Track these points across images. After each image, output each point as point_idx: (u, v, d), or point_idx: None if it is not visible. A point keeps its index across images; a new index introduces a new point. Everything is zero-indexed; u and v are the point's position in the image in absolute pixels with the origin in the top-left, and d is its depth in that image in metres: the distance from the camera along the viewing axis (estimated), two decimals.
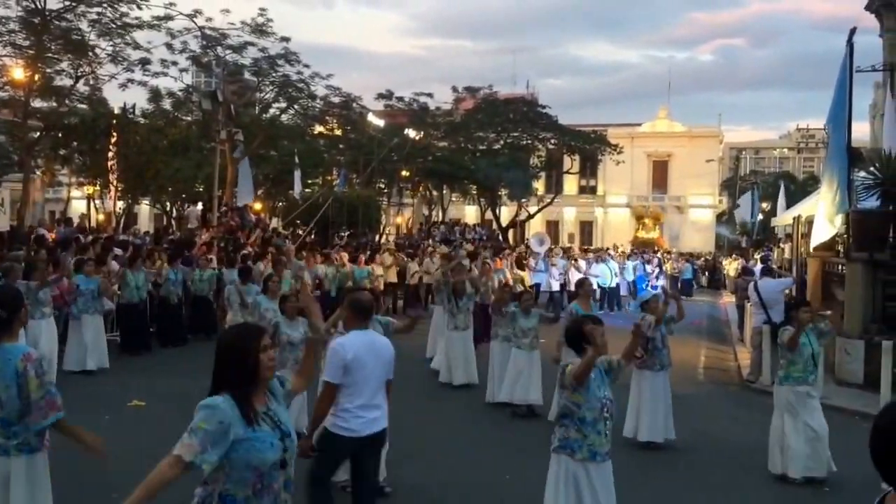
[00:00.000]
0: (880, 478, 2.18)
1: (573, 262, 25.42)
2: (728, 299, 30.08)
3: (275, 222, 32.44)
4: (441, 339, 13.34)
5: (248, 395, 3.29)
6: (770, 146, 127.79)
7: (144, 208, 52.37)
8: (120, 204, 31.96)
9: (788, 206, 31.05)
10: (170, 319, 15.57)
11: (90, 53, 26.35)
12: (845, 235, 14.27)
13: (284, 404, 3.52)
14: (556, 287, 24.69)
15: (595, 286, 24.00)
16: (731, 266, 38.65)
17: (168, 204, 40.36)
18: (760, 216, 50.35)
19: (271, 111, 34.41)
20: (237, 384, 3.28)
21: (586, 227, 72.37)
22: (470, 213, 58.22)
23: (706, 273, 43.88)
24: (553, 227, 69.48)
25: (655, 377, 9.25)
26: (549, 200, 51.14)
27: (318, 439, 5.24)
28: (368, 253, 22.86)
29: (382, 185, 42.90)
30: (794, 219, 20.93)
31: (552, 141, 48.17)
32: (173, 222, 36.82)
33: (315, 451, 5.19)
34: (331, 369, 5.19)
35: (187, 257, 16.89)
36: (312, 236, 27.24)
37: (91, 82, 27.94)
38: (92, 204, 37.15)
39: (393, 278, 22.85)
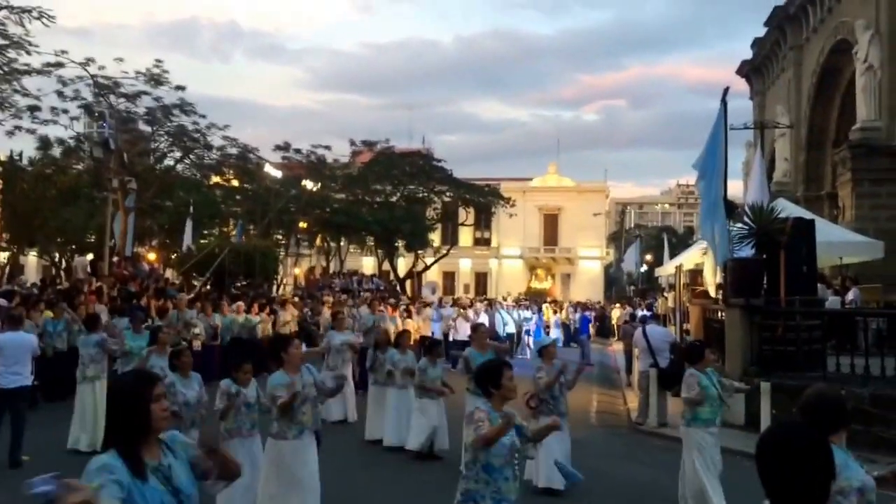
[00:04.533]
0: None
1: (461, 311, 25.39)
2: (616, 346, 30.76)
3: (169, 273, 31.43)
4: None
5: (136, 446, 3.07)
6: (652, 201, 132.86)
7: (32, 259, 49.95)
8: (3, 255, 30.38)
9: (671, 257, 32.22)
10: (52, 372, 14.50)
11: None
12: (723, 283, 14.84)
13: (183, 459, 3.24)
14: (437, 335, 24.70)
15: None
16: (617, 314, 39.66)
17: (57, 255, 38.65)
18: (645, 267, 52.10)
19: (166, 161, 33.60)
20: (127, 434, 3.08)
21: (482, 278, 73.06)
22: (368, 264, 58.04)
23: (595, 321, 44.94)
24: (449, 278, 69.83)
25: None
26: (445, 252, 51.48)
27: None
28: (263, 301, 22.42)
29: (280, 236, 42.32)
30: (675, 268, 21.69)
31: (447, 194, 48.70)
32: (62, 273, 35.22)
33: None
34: None
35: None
36: (208, 287, 26.56)
37: None
38: None
39: (292, 328, 22.47)
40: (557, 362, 9.22)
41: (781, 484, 2.32)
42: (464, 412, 9.97)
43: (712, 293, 16.28)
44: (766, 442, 2.39)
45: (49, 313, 15.42)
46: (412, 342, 13.83)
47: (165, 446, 3.21)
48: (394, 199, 46.60)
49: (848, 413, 3.59)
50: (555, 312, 34.88)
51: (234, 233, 35.36)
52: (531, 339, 27.88)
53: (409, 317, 21.61)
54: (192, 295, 21.10)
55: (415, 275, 49.58)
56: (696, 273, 19.33)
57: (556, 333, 31.09)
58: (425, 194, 48.02)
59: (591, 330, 35.20)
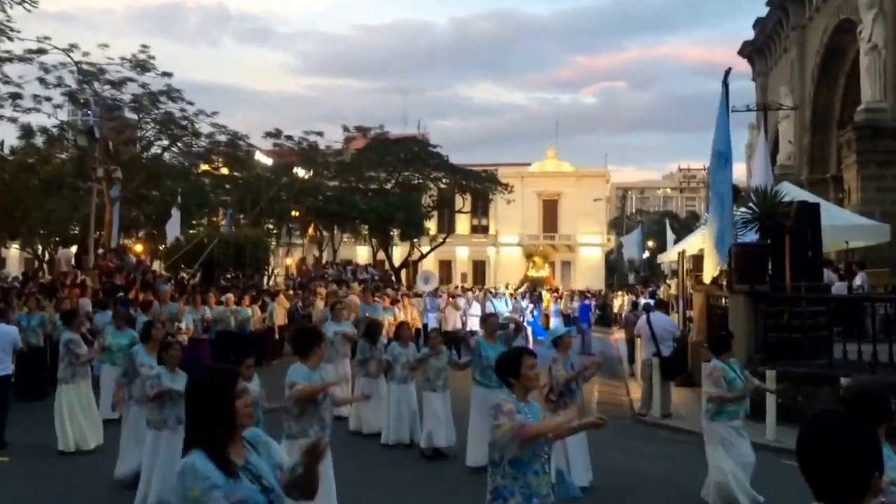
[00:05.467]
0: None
1: (451, 300, 25.23)
2: (618, 335, 30.72)
3: (156, 265, 31.31)
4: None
5: (223, 445, 3.05)
6: (654, 186, 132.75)
7: (14, 252, 49.76)
8: None
9: (674, 243, 32.16)
10: (25, 370, 14.00)
11: None
12: (727, 269, 14.76)
13: (267, 457, 3.23)
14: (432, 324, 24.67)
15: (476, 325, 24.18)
16: (619, 302, 39.64)
17: (40, 247, 38.46)
18: (647, 253, 52.10)
19: (153, 149, 33.42)
20: (213, 433, 3.04)
21: (479, 267, 73.00)
22: (362, 254, 57.96)
23: (597, 310, 44.96)
24: (446, 267, 69.70)
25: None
26: (441, 240, 51.41)
27: None
28: (254, 293, 22.31)
29: (271, 226, 42.22)
30: (678, 254, 21.62)
31: (444, 180, 48.69)
32: (45, 266, 35.07)
33: None
34: None
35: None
36: (197, 278, 26.43)
37: None
38: None
39: (282, 321, 22.38)
40: (573, 354, 9.08)
41: (830, 478, 2.28)
42: (470, 405, 10.03)
43: (706, 280, 16.20)
44: (811, 435, 2.34)
45: (25, 308, 15.20)
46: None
47: (248, 444, 3.20)
48: (388, 186, 46.53)
49: (891, 406, 3.55)
50: (555, 301, 34.82)
51: (223, 222, 35.24)
52: (529, 330, 27.83)
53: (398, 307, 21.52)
54: (173, 286, 20.94)
55: (410, 264, 49.55)
56: (700, 259, 19.26)
57: (555, 322, 31.03)
58: (420, 181, 47.97)
59: (592, 318, 35.16)
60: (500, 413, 4.76)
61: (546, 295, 36.85)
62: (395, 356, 11.41)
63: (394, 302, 21.69)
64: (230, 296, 20.18)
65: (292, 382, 6.56)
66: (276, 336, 22.05)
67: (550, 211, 72.51)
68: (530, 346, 22.30)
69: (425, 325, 23.38)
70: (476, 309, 24.81)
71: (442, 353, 11.07)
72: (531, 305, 30.58)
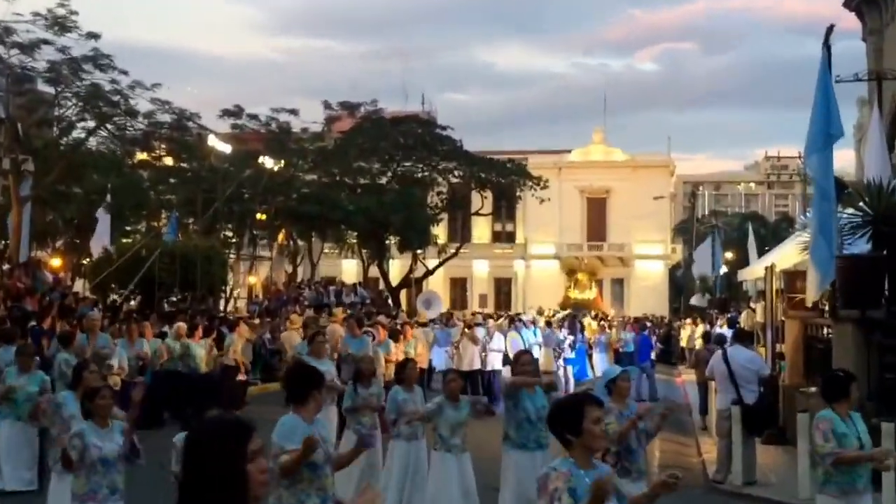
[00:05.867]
0: None
1: (467, 331, 25.14)
2: (686, 376, 30.66)
3: (79, 285, 31.47)
4: None
5: None
6: (733, 179, 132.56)
7: None
8: None
9: (759, 254, 32.07)
10: None
11: None
12: (831, 288, 14.70)
13: None
14: (440, 365, 24.61)
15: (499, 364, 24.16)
16: (688, 332, 39.55)
17: None
18: (724, 268, 51.90)
19: (75, 133, 33.62)
20: None
21: (503, 286, 73.16)
22: (348, 270, 58.08)
23: (658, 343, 44.88)
24: (459, 287, 69.97)
25: (633, 489, 8.98)
26: (453, 251, 51.48)
27: None
28: (207, 322, 22.40)
29: (230, 234, 42.38)
30: (766, 270, 21.53)
31: (456, 173, 48.81)
32: None
33: None
34: None
35: None
36: (132, 303, 26.51)
37: None
38: None
39: (244, 357, 22.45)
40: (632, 402, 9.03)
41: None
42: (499, 473, 9.90)
43: (808, 303, 16.16)
44: None
45: None
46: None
47: None
48: (383, 180, 46.68)
49: None
50: (601, 331, 34.72)
51: (166, 229, 35.35)
52: (569, 370, 27.79)
53: (396, 340, 21.41)
54: (100, 312, 21.06)
55: (413, 283, 49.61)
56: (795, 276, 19.18)
57: (601, 360, 31.01)
58: (426, 174, 48.14)
59: (654, 355, 35.09)
60: (546, 490, 4.75)
61: (591, 323, 36.82)
62: (397, 404, 11.29)
63: (393, 333, 21.66)
64: (181, 325, 20.26)
65: (280, 446, 6.46)
66: (239, 377, 22.09)
67: (597, 213, 72.67)
68: (572, 390, 22.33)
69: (430, 364, 23.44)
70: (499, 342, 24.79)
71: (462, 402, 10.77)
72: (570, 338, 30.58)
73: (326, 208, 42.24)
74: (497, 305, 64.73)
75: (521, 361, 10.75)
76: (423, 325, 26.56)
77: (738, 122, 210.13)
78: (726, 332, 22.41)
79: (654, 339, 37.06)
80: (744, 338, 16.80)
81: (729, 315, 33.04)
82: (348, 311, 28.82)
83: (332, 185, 45.17)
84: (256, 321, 26.52)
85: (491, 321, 29.46)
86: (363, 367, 12.79)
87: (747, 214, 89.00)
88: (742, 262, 41.30)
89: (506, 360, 24.34)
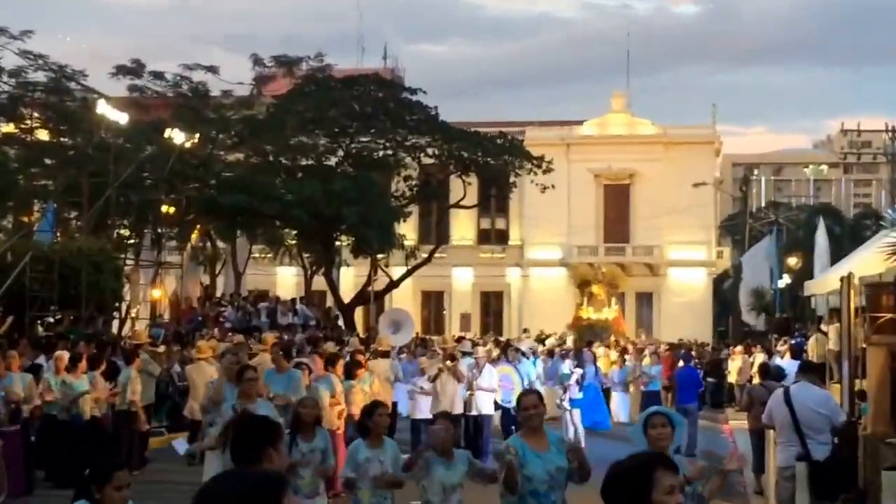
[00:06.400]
0: None
1: (448, 364, 24.97)
2: (736, 422, 30.77)
3: None
4: None
5: None
6: (799, 161, 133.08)
7: None
8: None
9: (834, 260, 32.19)
10: None
11: None
12: None
13: None
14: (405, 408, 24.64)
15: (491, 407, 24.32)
16: (737, 364, 39.58)
17: None
18: (787, 279, 52.19)
19: None
20: None
21: (493, 303, 73.22)
22: (286, 282, 57.99)
23: (706, 377, 44.98)
24: (434, 303, 70.04)
25: None
26: (426, 256, 51.47)
27: None
28: (95, 351, 22.36)
29: (126, 232, 42.26)
30: (842, 280, 21.67)
31: (430, 151, 48.79)
32: None
33: None
34: None
35: None
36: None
37: None
38: None
39: (144, 398, 22.39)
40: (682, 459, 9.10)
41: None
42: None
43: None
44: None
45: None
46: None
47: None
48: (332, 161, 46.61)
49: None
50: (621, 363, 34.69)
51: (40, 225, 35.31)
52: (576, 414, 27.79)
53: (351, 377, 21.26)
54: None
55: (372, 298, 49.51)
56: (881, 288, 19.28)
57: (622, 404, 31.06)
58: (389, 152, 48.05)
59: (702, 393, 35.12)
60: None
61: (610, 353, 36.81)
62: (358, 464, 11.35)
63: (348, 368, 21.52)
64: (62, 354, 20.18)
65: None
66: (139, 426, 22.04)
67: (618, 204, 72.80)
68: (581, 442, 22.35)
69: (395, 408, 23.40)
70: (490, 378, 24.77)
71: (457, 457, 10.87)
72: (577, 371, 30.61)
73: (256, 199, 42.03)
74: (483, 328, 64.90)
75: (525, 405, 10.35)
76: (384, 354, 26.47)
77: (804, 85, 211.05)
78: (788, 363, 22.51)
79: (700, 371, 36.96)
80: (812, 371, 16.90)
81: (793, 341, 33.20)
82: (285, 337, 28.83)
83: (263, 167, 45.06)
84: (162, 349, 26.41)
85: (480, 349, 29.30)
86: (303, 413, 12.76)
87: (817, 207, 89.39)
88: (810, 270, 41.47)
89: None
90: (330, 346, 25.84)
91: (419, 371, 25.09)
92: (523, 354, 29.35)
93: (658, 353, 37.15)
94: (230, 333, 29.65)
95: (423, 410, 23.75)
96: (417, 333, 42.89)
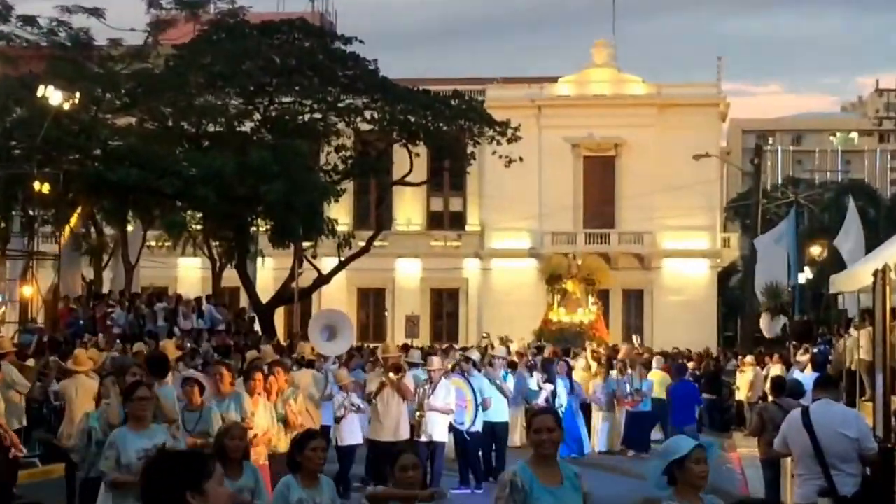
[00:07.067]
0: None
1: (390, 376, 24.90)
2: (746, 448, 30.95)
3: None
4: None
5: None
6: (823, 127, 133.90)
7: None
8: None
9: (867, 249, 32.32)
10: None
11: None
12: None
13: None
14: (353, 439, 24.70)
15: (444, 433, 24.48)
16: (747, 378, 39.72)
17: None
18: (808, 273, 52.49)
19: None
20: None
21: (445, 301, 73.37)
22: (189, 276, 57.95)
23: (705, 392, 45.21)
24: (373, 302, 70.15)
25: None
26: (363, 245, 51.56)
27: None
28: None
29: None
30: (874, 275, 21.76)
31: (368, 115, 48.85)
32: None
33: None
34: None
35: None
36: None
37: None
38: None
39: (14, 421, 22.30)
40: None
41: None
42: None
43: None
44: None
45: None
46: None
47: None
48: (247, 126, 46.57)
49: None
50: (605, 374, 34.77)
51: None
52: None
53: (269, 394, 21.20)
54: None
55: (296, 296, 49.49)
56: None
57: (604, 426, 31.20)
58: (318, 116, 48.04)
59: (701, 412, 35.37)
60: None
61: (589, 363, 36.84)
62: None
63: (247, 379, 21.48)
64: None
65: None
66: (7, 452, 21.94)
67: (601, 181, 73.15)
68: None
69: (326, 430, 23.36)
70: (445, 395, 24.77)
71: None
72: (547, 387, 30.72)
73: (151, 174, 41.92)
74: (434, 333, 65.04)
75: (537, 427, 10.09)
76: (309, 364, 26.40)
77: (829, 35, 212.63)
78: (810, 377, 22.56)
79: (697, 384, 37.14)
80: (834, 386, 16.93)
81: (817, 348, 33.34)
82: (188, 344, 28.76)
83: (160, 134, 44.98)
84: (32, 362, 26.28)
85: (435, 360, 29.09)
86: (230, 447, 12.62)
87: (846, 184, 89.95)
88: (836, 262, 41.71)
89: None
90: (252, 355, 25.64)
91: (356, 387, 25.06)
92: (475, 365, 29.25)
93: (647, 365, 37.26)
94: (118, 340, 29.50)
95: (354, 433, 23.84)
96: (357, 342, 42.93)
